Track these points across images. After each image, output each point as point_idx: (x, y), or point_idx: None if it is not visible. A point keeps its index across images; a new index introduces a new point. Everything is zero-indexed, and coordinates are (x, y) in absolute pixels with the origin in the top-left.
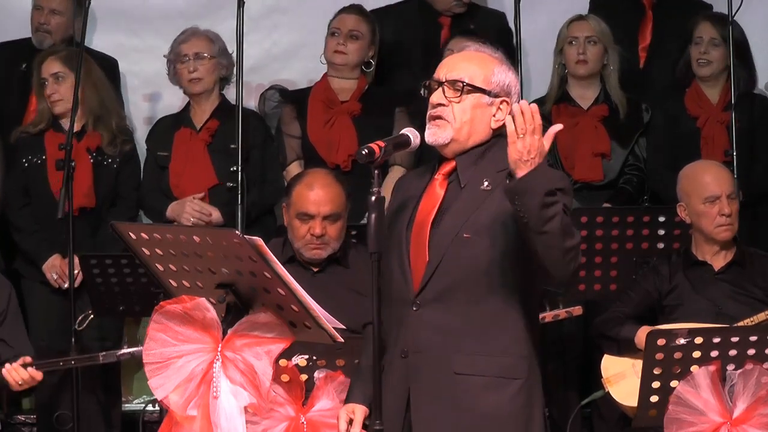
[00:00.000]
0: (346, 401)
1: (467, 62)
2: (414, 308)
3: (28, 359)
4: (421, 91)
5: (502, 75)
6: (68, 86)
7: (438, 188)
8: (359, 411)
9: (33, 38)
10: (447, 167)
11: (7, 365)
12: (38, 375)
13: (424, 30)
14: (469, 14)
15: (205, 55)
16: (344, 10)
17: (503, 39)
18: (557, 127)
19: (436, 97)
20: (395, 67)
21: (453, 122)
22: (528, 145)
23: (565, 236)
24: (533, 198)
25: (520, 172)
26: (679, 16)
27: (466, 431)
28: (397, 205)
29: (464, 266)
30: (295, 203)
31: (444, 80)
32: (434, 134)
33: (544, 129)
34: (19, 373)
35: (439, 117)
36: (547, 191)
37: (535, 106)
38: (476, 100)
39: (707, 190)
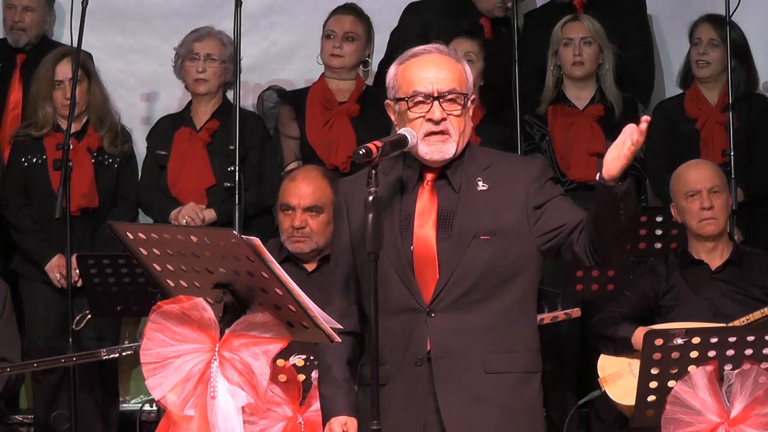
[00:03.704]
0: (333, 414)
1: (448, 71)
2: (430, 315)
3: None
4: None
5: (468, 73)
6: (83, 88)
7: (429, 196)
8: (352, 423)
9: (8, 37)
10: (432, 174)
11: None
12: None
13: (468, 24)
14: (505, 19)
15: (216, 57)
16: (339, 11)
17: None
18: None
19: (438, 112)
20: None
21: (454, 134)
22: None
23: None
24: (632, 198)
25: (618, 175)
26: (611, 15)
27: (501, 428)
28: (363, 217)
29: (484, 268)
30: (280, 196)
31: (437, 94)
32: (441, 151)
33: (540, 130)
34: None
35: (442, 132)
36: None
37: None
38: (466, 108)
39: (687, 185)
